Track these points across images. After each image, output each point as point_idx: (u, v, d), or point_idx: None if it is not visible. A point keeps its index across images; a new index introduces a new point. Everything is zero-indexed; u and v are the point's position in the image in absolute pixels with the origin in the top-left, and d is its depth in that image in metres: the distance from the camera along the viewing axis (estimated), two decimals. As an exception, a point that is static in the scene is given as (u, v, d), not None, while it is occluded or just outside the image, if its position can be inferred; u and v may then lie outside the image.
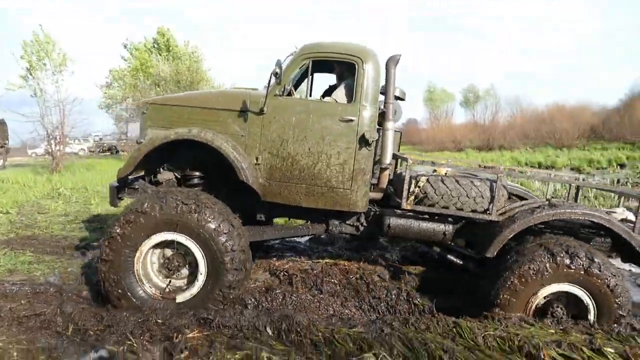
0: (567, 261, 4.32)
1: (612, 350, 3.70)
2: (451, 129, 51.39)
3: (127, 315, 4.19)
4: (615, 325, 4.21)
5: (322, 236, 7.44)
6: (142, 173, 5.32)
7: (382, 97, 5.04)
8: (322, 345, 3.83)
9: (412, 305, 5.08)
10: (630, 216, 5.00)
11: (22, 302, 4.54)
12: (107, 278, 4.46)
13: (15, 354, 3.47)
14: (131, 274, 4.50)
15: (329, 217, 5.17)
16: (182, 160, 5.11)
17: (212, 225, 4.42)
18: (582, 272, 4.30)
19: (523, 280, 4.36)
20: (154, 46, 31.80)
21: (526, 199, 5.31)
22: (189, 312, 4.32)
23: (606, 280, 4.27)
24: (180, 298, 4.53)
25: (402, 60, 4.92)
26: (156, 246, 4.64)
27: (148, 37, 32.51)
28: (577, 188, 5.81)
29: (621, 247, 4.76)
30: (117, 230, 4.43)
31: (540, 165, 24.66)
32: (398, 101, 5.60)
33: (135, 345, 3.66)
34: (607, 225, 4.53)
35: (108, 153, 37.79)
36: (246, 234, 4.78)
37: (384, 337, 3.87)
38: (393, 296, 5.11)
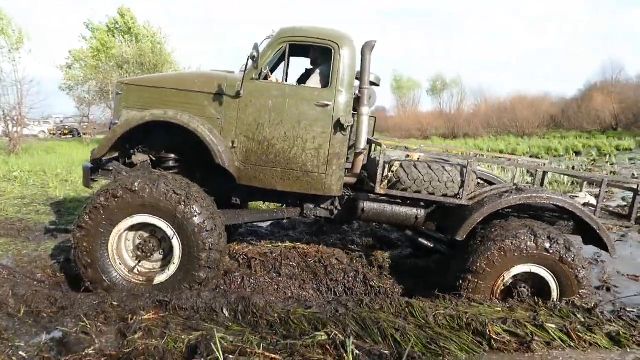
0: (547, 245, 4.52)
1: (554, 326, 3.93)
2: (417, 117, 52.08)
3: (82, 298, 4.17)
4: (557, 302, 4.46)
5: (284, 221, 7.51)
6: (116, 154, 5.24)
7: (357, 83, 5.09)
8: (278, 326, 3.91)
9: (369, 287, 5.21)
10: (592, 200, 5.25)
11: (-27, 285, 4.45)
12: (79, 245, 4.46)
13: (-37, 335, 3.42)
14: (104, 247, 4.51)
15: (304, 201, 5.23)
16: (158, 143, 5.07)
17: (197, 220, 4.44)
18: (557, 259, 4.51)
19: (502, 253, 4.53)
20: (115, 27, 30.84)
21: (494, 184, 5.49)
22: (145, 294, 4.33)
23: (577, 271, 4.51)
24: (158, 279, 4.60)
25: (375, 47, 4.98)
26: (135, 227, 4.64)
27: (108, 17, 31.55)
28: (544, 173, 6.03)
29: (583, 230, 5.00)
30: (102, 201, 4.41)
31: (501, 153, 25.25)
32: (373, 87, 5.68)
33: (88, 326, 3.65)
34: (570, 209, 4.73)
35: (70, 136, 36.67)
36: (225, 232, 4.80)
37: (339, 317, 3.97)
38: (350, 278, 5.25)
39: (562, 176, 13.35)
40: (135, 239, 4.76)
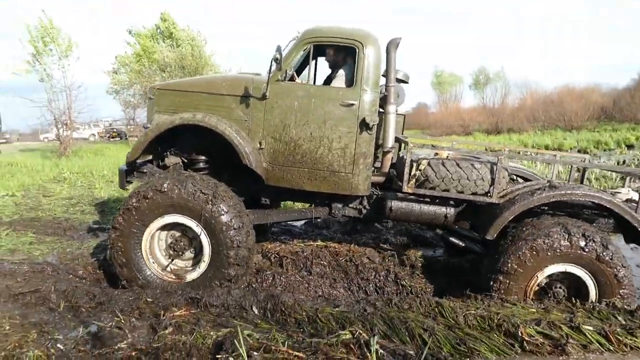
0: (582, 243, 4.34)
1: (591, 328, 3.76)
2: (459, 113, 51.00)
3: (119, 294, 4.34)
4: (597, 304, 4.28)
5: (318, 220, 7.53)
6: (150, 157, 5.41)
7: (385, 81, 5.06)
8: (306, 324, 3.93)
9: (400, 287, 5.17)
10: (635, 196, 5.00)
11: (19, 279, 4.68)
12: (115, 245, 4.66)
13: (7, 327, 3.61)
14: (137, 247, 4.68)
15: (332, 201, 5.24)
16: (188, 145, 5.19)
17: (224, 219, 4.53)
18: (594, 257, 4.33)
19: (534, 253, 4.38)
20: (157, 32, 31.74)
21: (530, 181, 5.32)
22: (177, 291, 4.46)
23: (616, 270, 4.31)
24: (190, 277, 4.74)
25: (407, 44, 4.94)
26: (166, 226, 4.79)
27: (151, 23, 32.50)
28: (583, 169, 5.79)
29: (624, 228, 4.78)
30: (133, 203, 4.58)
31: (547, 148, 24.40)
32: (401, 84, 5.63)
33: (122, 321, 3.78)
34: (608, 206, 4.53)
35: (117, 138, 38.05)
36: (252, 230, 4.89)
37: (366, 316, 3.96)
38: (381, 277, 5.21)
39: (610, 172, 12.79)
40: (168, 238, 4.89)
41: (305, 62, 5.33)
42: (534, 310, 4.14)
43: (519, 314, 4.02)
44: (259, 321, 4.00)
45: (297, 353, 3.26)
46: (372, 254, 5.56)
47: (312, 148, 4.81)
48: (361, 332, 3.52)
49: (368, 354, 3.22)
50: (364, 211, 5.27)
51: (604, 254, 4.30)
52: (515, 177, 5.79)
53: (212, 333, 3.59)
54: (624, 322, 3.91)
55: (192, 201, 4.51)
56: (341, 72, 5.04)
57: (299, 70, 5.42)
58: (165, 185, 4.54)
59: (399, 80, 5.65)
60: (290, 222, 7.52)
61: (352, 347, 3.34)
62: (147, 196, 4.55)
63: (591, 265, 4.35)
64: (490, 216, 4.73)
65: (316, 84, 5.17)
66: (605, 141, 26.06)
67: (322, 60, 5.60)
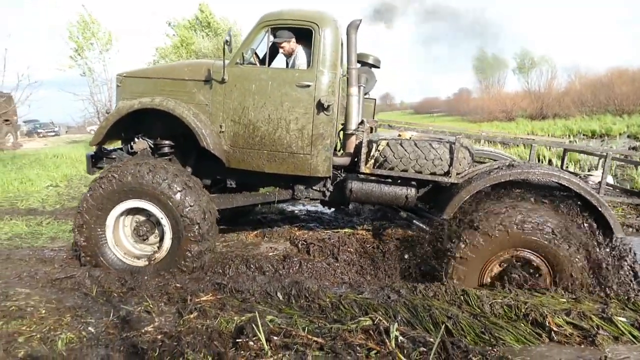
0: (527, 226, 4.21)
1: (624, 320, 3.64)
2: (502, 98, 49.53)
3: (148, 279, 4.47)
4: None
5: (350, 207, 7.52)
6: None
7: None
8: (329, 310, 3.95)
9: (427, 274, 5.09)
10: (610, 178, 4.83)
11: (57, 266, 4.92)
12: (79, 230, 4.81)
13: (44, 311, 3.79)
14: (101, 232, 4.80)
15: (294, 183, 5.26)
16: (156, 130, 5.27)
17: (179, 197, 4.64)
18: (540, 241, 4.20)
19: (485, 237, 4.28)
20: (196, 23, 32.19)
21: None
22: (205, 277, 4.56)
23: (562, 251, 4.17)
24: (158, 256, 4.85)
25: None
26: (130, 212, 4.91)
27: (191, 14, 32.93)
28: (563, 151, 5.71)
29: (589, 209, 4.55)
30: (95, 190, 4.74)
31: (594, 133, 23.43)
32: (372, 69, 5.59)
33: (150, 306, 3.91)
34: (566, 184, 4.40)
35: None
36: (213, 208, 4.99)
37: (390, 303, 3.95)
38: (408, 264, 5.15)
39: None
40: (132, 223, 5.02)
41: (275, 46, 5.35)
42: (565, 300, 4.02)
43: (548, 304, 3.91)
44: (284, 307, 4.04)
45: (316, 338, 3.28)
46: (400, 241, 5.50)
47: (271, 130, 4.84)
48: (381, 318, 3.50)
49: (387, 341, 3.21)
50: (328, 193, 5.27)
51: (549, 235, 4.16)
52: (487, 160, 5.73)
53: (235, 318, 3.66)
54: (661, 314, 3.76)
55: (148, 185, 4.61)
56: (301, 54, 5.05)
57: (272, 55, 5.41)
58: (120, 171, 4.66)
59: (370, 65, 5.60)
60: (320, 210, 7.55)
61: (372, 333, 3.33)
62: (105, 182, 4.68)
63: (540, 249, 4.21)
64: (448, 196, 4.66)
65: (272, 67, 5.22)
66: (658, 125, 24.74)
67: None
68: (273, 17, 4.86)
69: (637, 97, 38.21)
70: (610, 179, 4.86)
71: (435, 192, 5.07)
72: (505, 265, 4.41)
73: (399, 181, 4.97)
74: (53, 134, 37.85)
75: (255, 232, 6.30)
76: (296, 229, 6.22)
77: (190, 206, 4.65)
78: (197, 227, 4.66)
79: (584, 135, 23.20)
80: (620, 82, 40.18)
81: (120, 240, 4.97)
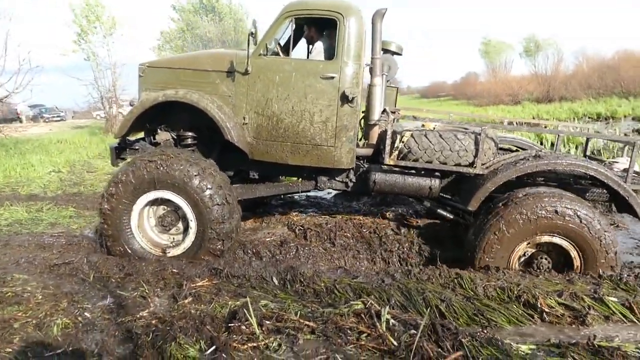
0: (561, 213, 4.19)
1: (615, 300, 3.66)
2: (508, 81, 49.09)
3: (146, 265, 4.50)
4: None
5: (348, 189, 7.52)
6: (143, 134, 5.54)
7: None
8: (324, 295, 3.98)
9: (424, 258, 5.12)
10: (637, 166, 4.79)
11: (55, 252, 4.96)
12: (105, 219, 4.75)
13: (40, 297, 3.83)
14: (127, 221, 4.76)
15: (318, 174, 5.24)
16: (179, 122, 5.25)
17: (208, 194, 4.60)
18: (574, 227, 4.17)
19: (510, 225, 4.27)
20: (201, 6, 31.98)
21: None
22: (202, 262, 4.59)
23: (596, 239, 4.15)
24: (174, 252, 4.81)
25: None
26: (155, 202, 4.87)
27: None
28: (586, 140, 5.69)
29: (615, 197, 4.62)
30: (120, 180, 4.68)
31: (599, 116, 23.22)
32: (394, 56, 5.52)
33: (146, 291, 3.94)
34: (594, 174, 4.39)
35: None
36: (237, 205, 4.98)
37: (384, 287, 3.96)
38: (405, 249, 5.17)
39: None
40: (157, 213, 4.99)
41: (298, 36, 5.31)
42: (558, 281, 4.04)
43: (541, 286, 3.93)
44: (279, 292, 4.07)
45: (308, 322, 3.32)
46: (396, 226, 5.51)
47: (294, 122, 4.80)
48: (372, 302, 3.53)
49: (378, 324, 3.24)
50: (350, 184, 5.26)
51: (584, 223, 4.13)
52: (515, 148, 5.73)
53: (230, 303, 3.69)
54: (652, 294, 3.77)
55: (175, 177, 4.58)
56: (319, 45, 5.00)
57: (294, 45, 5.33)
58: (146, 161, 4.62)
59: (392, 52, 5.54)
60: (320, 195, 7.57)
61: (363, 317, 3.37)
62: (131, 173, 4.64)
63: (572, 234, 4.19)
64: (473, 187, 4.64)
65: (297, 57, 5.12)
66: (663, 107, 24.46)
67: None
68: (297, 7, 4.77)
69: (645, 79, 37.78)
70: (637, 167, 4.82)
71: (458, 182, 5.03)
72: (535, 250, 4.44)
73: (423, 172, 4.94)
74: (58, 118, 37.97)
75: (254, 217, 6.31)
76: (294, 214, 6.23)
77: (219, 205, 4.64)
78: (222, 225, 4.66)
79: (589, 117, 23.01)
80: (627, 64, 39.75)
81: (145, 230, 4.95)
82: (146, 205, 4.83)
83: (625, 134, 14.67)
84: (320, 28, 5.15)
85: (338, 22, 4.65)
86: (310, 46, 5.32)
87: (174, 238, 4.97)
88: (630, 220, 6.41)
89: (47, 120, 36.70)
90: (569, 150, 10.91)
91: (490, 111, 31.84)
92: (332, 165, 4.91)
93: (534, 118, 23.95)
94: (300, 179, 5.43)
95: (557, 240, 4.28)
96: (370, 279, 4.18)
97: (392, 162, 4.75)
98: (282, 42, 5.34)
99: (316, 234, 5.41)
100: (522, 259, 4.45)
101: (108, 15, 20.42)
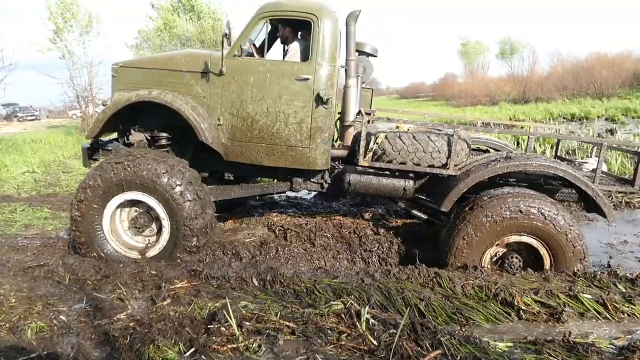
0: (530, 213, 4.27)
1: (589, 297, 3.74)
2: (486, 82, 49.75)
3: (123, 267, 4.43)
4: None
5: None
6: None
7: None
8: (304, 295, 3.97)
9: (403, 258, 5.15)
10: (603, 167, 4.94)
11: (29, 254, 4.85)
12: (76, 224, 4.66)
13: (14, 300, 3.75)
14: (98, 225, 4.68)
15: (293, 175, 5.24)
16: (152, 122, 5.19)
17: (178, 191, 4.54)
18: (541, 226, 4.25)
19: (479, 227, 4.34)
20: (179, 5, 31.61)
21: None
22: (181, 264, 4.55)
23: (564, 237, 4.24)
24: (150, 253, 4.75)
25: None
26: (128, 204, 4.80)
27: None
28: (557, 141, 5.81)
29: (584, 197, 4.74)
30: (89, 183, 4.60)
31: (573, 116, 23.68)
32: (369, 58, 5.56)
33: (124, 293, 3.89)
34: (562, 175, 4.49)
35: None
36: (211, 202, 4.95)
37: (364, 287, 3.98)
38: (384, 249, 5.19)
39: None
40: (130, 215, 4.92)
41: (274, 37, 5.32)
42: (534, 279, 4.12)
43: (518, 284, 4.00)
44: (259, 293, 4.05)
45: (288, 323, 3.32)
46: (375, 226, 5.54)
47: (269, 123, 4.80)
48: (353, 302, 3.55)
49: (358, 324, 3.25)
50: (326, 185, 5.27)
51: (549, 220, 4.23)
52: (486, 149, 5.85)
53: (209, 304, 3.66)
54: (624, 290, 3.88)
55: (143, 177, 4.52)
56: (294, 46, 5.02)
57: (269, 46, 5.34)
58: (113, 164, 4.56)
59: (367, 54, 5.59)
60: (300, 196, 7.56)
61: (343, 317, 3.38)
62: (98, 177, 4.57)
63: (538, 232, 4.28)
64: (446, 188, 4.70)
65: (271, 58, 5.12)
66: (634, 108, 25.04)
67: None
68: (272, 8, 4.77)
69: (616, 81, 38.77)
70: (604, 167, 4.95)
71: (432, 182, 5.07)
72: (505, 250, 4.51)
73: (397, 173, 4.98)
74: (33, 118, 37.22)
75: (233, 218, 6.28)
76: (274, 215, 6.22)
77: (190, 201, 4.57)
78: (195, 221, 4.60)
79: (563, 118, 23.46)
80: (600, 66, 40.68)
81: (118, 233, 4.87)
82: (117, 208, 4.76)
83: (599, 135, 15.00)
84: (295, 29, 5.17)
85: (312, 24, 4.66)
86: (286, 47, 5.32)
87: (149, 240, 4.91)
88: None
89: (21, 119, 35.97)
90: (544, 150, 11.08)
91: (468, 112, 32.17)
92: (307, 167, 4.92)
93: (510, 119, 24.34)
94: (276, 180, 5.41)
95: (525, 239, 4.36)
96: (350, 279, 4.19)
97: (366, 164, 4.79)
98: (258, 43, 5.32)
99: (296, 235, 5.41)
100: (494, 259, 4.52)
101: (84, 13, 20.09)
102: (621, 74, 39.26)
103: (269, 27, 4.89)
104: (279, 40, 5.51)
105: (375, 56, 5.72)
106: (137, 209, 4.86)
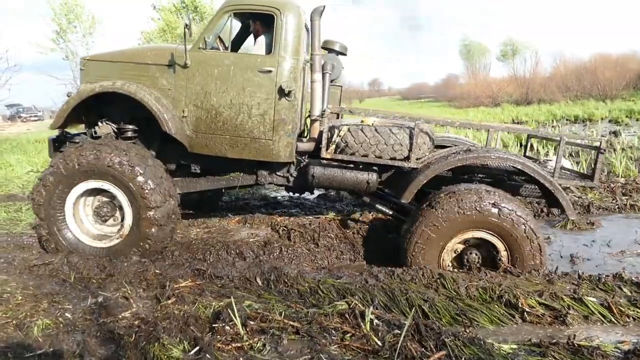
0: (490, 209, 4.26)
1: (594, 300, 3.73)
2: (488, 84, 49.67)
3: (128, 265, 4.45)
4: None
5: (332, 193, 7.57)
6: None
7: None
8: (308, 295, 3.98)
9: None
10: (567, 163, 4.95)
11: (35, 252, 4.87)
12: (38, 215, 4.75)
13: (20, 298, 3.77)
14: (61, 215, 4.75)
15: (258, 168, 5.28)
16: (120, 115, 5.23)
17: (140, 180, 4.58)
18: (500, 222, 4.26)
19: (442, 220, 4.33)
20: (182, 6, 31.63)
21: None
22: (185, 263, 4.57)
23: (517, 233, 4.25)
24: (109, 243, 4.82)
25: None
26: (91, 193, 4.87)
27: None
28: (527, 136, 5.88)
29: (545, 192, 4.76)
30: (51, 173, 4.66)
31: (577, 118, 23.64)
32: (338, 56, 5.60)
33: (129, 292, 3.91)
34: (521, 168, 4.51)
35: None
36: (174, 192, 5.00)
37: (367, 288, 3.98)
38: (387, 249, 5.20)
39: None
40: (94, 204, 4.97)
41: (245, 32, 5.38)
42: (538, 281, 4.10)
43: (522, 286, 3.99)
44: (262, 292, 4.06)
45: (292, 323, 3.33)
46: (379, 226, 5.55)
47: (232, 115, 4.85)
48: (357, 302, 3.55)
49: (362, 324, 3.26)
50: (292, 179, 5.31)
51: (509, 218, 4.23)
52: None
53: (214, 303, 3.68)
54: (629, 294, 3.86)
55: (108, 166, 4.56)
56: (260, 40, 5.08)
57: (240, 42, 5.47)
58: (78, 152, 4.60)
59: (337, 52, 5.62)
60: (303, 196, 7.57)
61: (347, 317, 3.39)
62: (62, 164, 4.61)
63: (493, 227, 4.29)
64: (408, 180, 4.72)
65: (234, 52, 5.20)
66: (638, 110, 24.98)
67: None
68: (235, 2, 4.84)
69: (620, 83, 38.65)
70: (567, 163, 4.96)
71: (397, 176, 5.10)
72: (464, 246, 4.53)
73: (361, 166, 5.01)
74: (36, 118, 37.35)
75: (237, 218, 6.29)
76: (278, 215, 6.23)
77: (152, 189, 4.60)
78: (156, 210, 4.63)
79: (567, 120, 23.43)
80: (603, 67, 40.54)
81: (82, 222, 4.91)
82: (79, 198, 4.82)
83: (602, 136, 14.98)
84: (264, 23, 5.18)
85: (275, 17, 4.74)
86: (256, 41, 5.35)
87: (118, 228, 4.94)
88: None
89: (24, 119, 36.09)
90: (547, 152, 11.09)
91: (470, 113, 32.20)
92: (270, 159, 4.97)
93: (513, 120, 24.32)
94: (241, 173, 5.42)
95: (481, 234, 4.39)
96: (354, 279, 4.19)
97: (329, 156, 4.83)
98: (227, 38, 5.37)
99: (300, 235, 5.42)
100: (454, 256, 4.55)
101: (88, 14, 20.18)
102: (625, 75, 39.13)
103: (234, 22, 4.97)
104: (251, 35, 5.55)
105: (345, 54, 5.76)
106: (101, 198, 4.94)
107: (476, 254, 4.45)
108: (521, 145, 11.71)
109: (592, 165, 4.78)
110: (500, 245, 4.36)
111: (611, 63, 41.26)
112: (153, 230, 4.67)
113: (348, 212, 6.26)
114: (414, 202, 4.88)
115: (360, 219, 5.76)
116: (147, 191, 4.59)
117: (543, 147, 11.61)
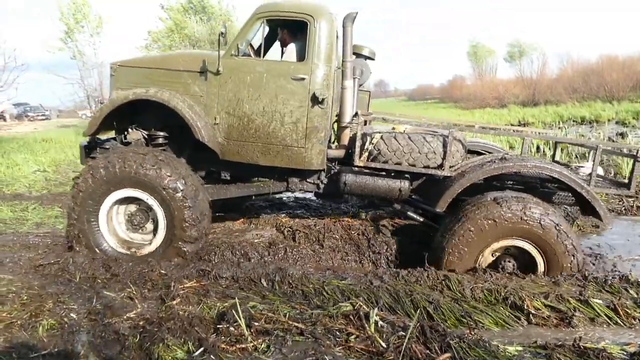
0: (524, 216, 4.22)
1: (600, 302, 3.71)
2: (494, 85, 49.51)
3: (133, 266, 4.46)
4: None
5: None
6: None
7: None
8: (312, 296, 3.98)
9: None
10: (600, 170, 4.92)
11: (40, 252, 4.91)
12: (71, 222, 4.75)
13: (25, 297, 3.79)
14: (95, 222, 4.75)
15: (289, 175, 5.25)
16: (151, 121, 5.22)
17: (171, 184, 4.58)
18: (537, 230, 4.21)
19: (479, 228, 4.29)
20: (190, 6, 31.73)
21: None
22: (190, 264, 4.58)
23: (559, 242, 4.19)
24: (144, 251, 4.81)
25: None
26: (124, 201, 4.86)
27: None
28: (555, 143, 5.84)
29: (580, 200, 4.72)
30: (84, 181, 4.66)
31: (583, 119, 23.56)
32: (367, 61, 5.57)
33: (134, 292, 3.92)
34: (556, 177, 4.47)
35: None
36: (204, 190, 5.00)
37: (372, 289, 3.98)
38: (393, 251, 5.19)
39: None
40: (127, 212, 4.98)
41: (273, 38, 5.35)
42: (544, 283, 4.08)
43: (528, 288, 3.97)
44: (267, 293, 4.06)
45: (296, 324, 3.32)
46: (384, 228, 5.53)
47: (265, 122, 4.82)
48: (361, 304, 3.54)
49: (366, 326, 3.25)
50: (322, 186, 5.28)
51: (546, 226, 4.18)
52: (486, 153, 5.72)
53: (218, 304, 3.68)
54: (635, 296, 3.84)
55: (139, 174, 4.56)
56: (291, 47, 5.04)
57: (268, 45, 5.38)
58: (108, 161, 4.61)
59: (365, 57, 5.60)
60: (309, 197, 7.57)
61: (352, 318, 3.38)
62: (94, 173, 4.61)
63: (535, 238, 4.24)
64: (441, 189, 4.68)
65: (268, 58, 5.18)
66: (646, 112, 24.85)
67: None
68: (268, 8, 4.81)
69: (627, 84, 38.43)
70: (600, 171, 4.92)
71: (428, 184, 5.06)
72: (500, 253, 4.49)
73: (393, 174, 4.97)
74: (43, 117, 37.55)
75: (242, 219, 6.29)
76: (283, 216, 6.23)
77: (185, 197, 4.61)
78: (191, 215, 4.64)
79: (573, 121, 23.33)
80: (610, 69, 40.35)
81: (115, 230, 4.92)
82: (113, 205, 4.83)
83: (609, 138, 14.89)
84: (292, 30, 5.16)
85: (308, 24, 4.70)
86: (284, 48, 5.34)
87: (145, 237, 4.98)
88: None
89: (31, 119, 36.29)
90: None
91: (477, 115, 32.10)
92: (302, 166, 4.94)
93: (519, 122, 24.25)
94: (272, 180, 5.40)
95: (521, 243, 4.33)
96: (359, 281, 4.19)
97: (361, 164, 4.80)
98: (256, 44, 5.35)
99: (305, 236, 5.41)
100: (489, 262, 4.50)
101: (95, 14, 20.30)
102: (632, 77, 38.89)
103: (266, 28, 4.93)
104: (278, 41, 5.53)
105: (373, 59, 5.74)
106: (136, 205, 4.93)
107: (511, 262, 4.42)
108: (538, 148, 11.69)
109: (628, 174, 4.70)
110: (539, 258, 4.31)
111: (618, 65, 41.03)
112: (186, 248, 4.71)
113: (353, 214, 6.24)
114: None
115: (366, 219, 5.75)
116: (179, 195, 4.60)
117: (549, 149, 11.55)
